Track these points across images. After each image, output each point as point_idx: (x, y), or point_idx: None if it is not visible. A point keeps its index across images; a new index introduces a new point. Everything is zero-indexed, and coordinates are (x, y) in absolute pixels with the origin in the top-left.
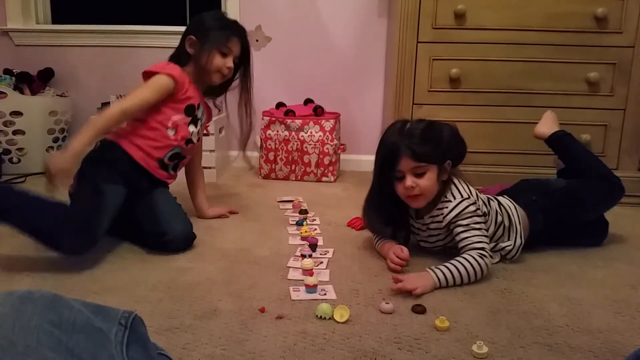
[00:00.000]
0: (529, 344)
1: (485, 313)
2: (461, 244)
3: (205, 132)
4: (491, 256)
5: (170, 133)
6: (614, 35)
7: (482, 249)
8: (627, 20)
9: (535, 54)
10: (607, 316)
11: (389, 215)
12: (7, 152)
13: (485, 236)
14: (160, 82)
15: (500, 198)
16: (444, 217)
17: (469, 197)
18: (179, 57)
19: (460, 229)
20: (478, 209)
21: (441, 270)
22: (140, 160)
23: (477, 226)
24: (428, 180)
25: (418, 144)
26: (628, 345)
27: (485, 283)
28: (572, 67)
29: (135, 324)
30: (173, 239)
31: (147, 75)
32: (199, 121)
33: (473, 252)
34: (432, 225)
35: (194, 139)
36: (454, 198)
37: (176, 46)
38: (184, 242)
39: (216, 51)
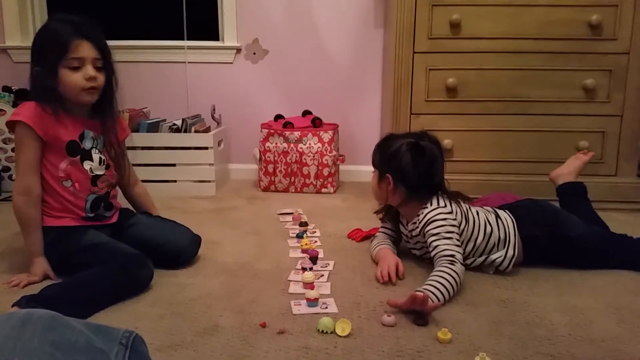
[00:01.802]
0: (532, 355)
1: (487, 324)
2: (432, 252)
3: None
4: (462, 263)
5: (67, 185)
6: (609, 42)
7: (452, 256)
8: (621, 27)
9: (531, 61)
10: (610, 324)
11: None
12: (6, 169)
13: (457, 245)
14: (22, 136)
15: (500, 212)
16: (419, 223)
17: (444, 206)
18: (35, 91)
19: (432, 238)
20: (452, 218)
21: (432, 292)
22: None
23: (448, 235)
24: (372, 180)
25: (375, 147)
26: (632, 355)
27: (487, 293)
28: (569, 74)
29: (136, 344)
30: (185, 247)
31: (10, 127)
32: (94, 149)
33: (443, 261)
34: (414, 233)
35: (101, 171)
36: (430, 205)
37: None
38: (185, 254)
39: (63, 70)
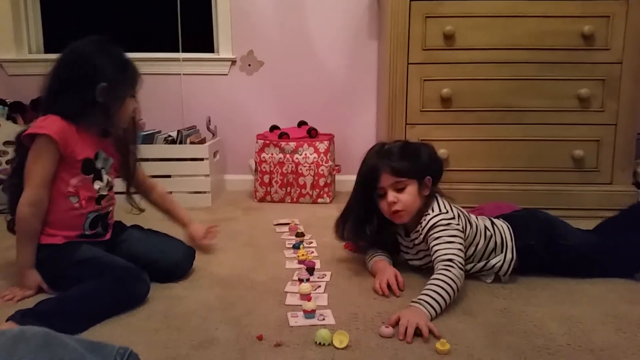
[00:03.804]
0: None
1: (486, 334)
2: (433, 257)
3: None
4: (462, 267)
5: (74, 201)
6: (602, 52)
7: (450, 260)
8: (614, 37)
9: (525, 72)
10: (608, 334)
11: (376, 234)
12: (0, 181)
13: (459, 249)
14: (44, 149)
15: (494, 219)
16: (422, 230)
17: (447, 212)
18: (71, 106)
19: (434, 242)
20: (455, 223)
21: (428, 303)
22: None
23: (450, 239)
24: (409, 195)
25: (396, 160)
26: None
27: (484, 303)
28: (563, 84)
29: None
30: (178, 262)
31: (29, 138)
32: (103, 170)
33: (440, 266)
34: (417, 241)
35: (105, 192)
36: (432, 211)
37: (51, 87)
38: (178, 269)
39: (129, 100)
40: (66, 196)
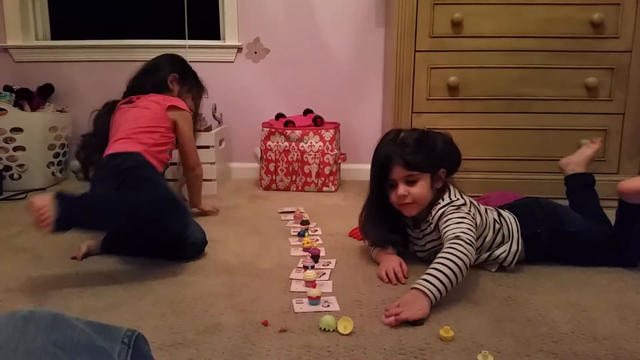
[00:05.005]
0: (534, 352)
1: (489, 322)
2: (443, 238)
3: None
4: (470, 242)
5: (168, 152)
6: (611, 41)
7: (457, 237)
8: (624, 25)
9: (533, 60)
10: (613, 322)
11: (388, 225)
12: (7, 168)
13: (468, 228)
14: (190, 119)
15: (500, 210)
16: (432, 218)
17: (457, 199)
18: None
19: (443, 225)
20: (466, 209)
21: (432, 284)
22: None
23: (459, 220)
24: (420, 188)
25: (410, 153)
26: (635, 352)
27: (489, 291)
28: (571, 72)
29: (139, 343)
30: (194, 241)
31: (173, 107)
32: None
33: (447, 245)
34: (427, 231)
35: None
36: (443, 200)
37: (163, 81)
38: (202, 245)
39: (189, 97)
40: (168, 148)
